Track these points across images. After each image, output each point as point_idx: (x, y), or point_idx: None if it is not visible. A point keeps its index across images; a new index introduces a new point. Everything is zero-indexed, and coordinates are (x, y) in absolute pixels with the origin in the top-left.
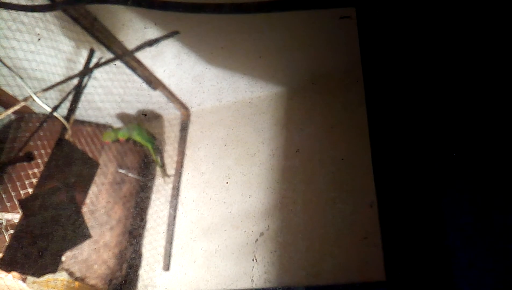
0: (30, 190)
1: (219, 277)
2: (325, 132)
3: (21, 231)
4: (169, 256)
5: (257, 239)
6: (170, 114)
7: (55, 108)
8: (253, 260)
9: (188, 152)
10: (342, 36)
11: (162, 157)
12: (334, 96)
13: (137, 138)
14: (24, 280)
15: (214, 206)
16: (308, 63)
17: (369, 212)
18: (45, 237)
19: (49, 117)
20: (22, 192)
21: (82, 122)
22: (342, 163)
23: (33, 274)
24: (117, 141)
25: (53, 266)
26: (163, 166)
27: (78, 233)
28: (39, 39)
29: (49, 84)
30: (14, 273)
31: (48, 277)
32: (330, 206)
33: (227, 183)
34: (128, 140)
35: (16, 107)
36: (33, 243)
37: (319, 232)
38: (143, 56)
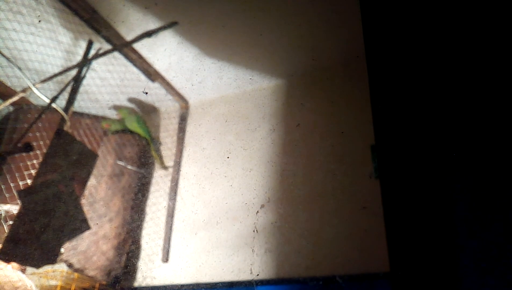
0: (29, 181)
1: (220, 248)
2: (325, 107)
3: (20, 220)
4: (168, 247)
5: (257, 211)
6: (169, 107)
7: (54, 100)
8: (254, 231)
9: (189, 128)
10: (343, 11)
11: (159, 150)
12: (334, 71)
13: (138, 129)
14: (23, 271)
15: (215, 180)
16: (308, 39)
17: (368, 183)
18: (47, 213)
19: (48, 108)
20: (21, 183)
21: (81, 114)
22: (342, 136)
23: (32, 265)
24: (118, 132)
25: (52, 257)
26: (161, 158)
27: (79, 208)
28: (39, 21)
29: (47, 75)
30: (14, 264)
31: (47, 268)
32: (330, 178)
33: (228, 157)
34: (119, 131)
35: (15, 98)
36: (35, 220)
37: (319, 203)
38: (143, 42)
